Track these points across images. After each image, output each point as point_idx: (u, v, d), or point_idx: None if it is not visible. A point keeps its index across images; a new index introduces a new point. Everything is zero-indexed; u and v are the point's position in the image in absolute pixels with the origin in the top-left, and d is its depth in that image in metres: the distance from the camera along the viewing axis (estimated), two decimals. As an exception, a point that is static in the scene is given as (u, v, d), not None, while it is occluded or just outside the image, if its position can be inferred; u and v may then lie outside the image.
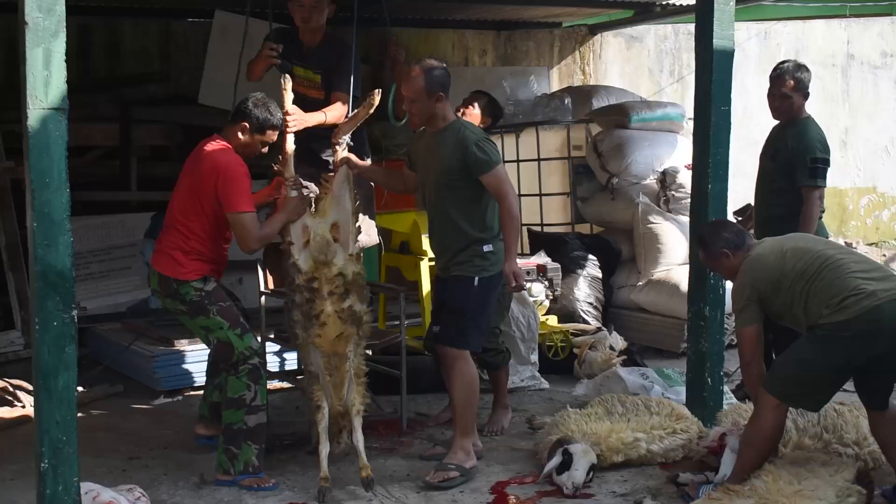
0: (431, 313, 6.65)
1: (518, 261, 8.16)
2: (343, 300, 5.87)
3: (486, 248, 6.05)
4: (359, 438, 5.87)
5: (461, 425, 6.13)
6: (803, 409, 5.74)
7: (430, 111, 6.03)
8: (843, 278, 5.20)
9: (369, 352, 6.66)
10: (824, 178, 7.07)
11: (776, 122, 7.36)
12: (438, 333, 6.22)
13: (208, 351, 6.46)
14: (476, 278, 6.04)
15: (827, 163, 7.09)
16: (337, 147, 6.25)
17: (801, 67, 7.28)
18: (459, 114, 6.76)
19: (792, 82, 7.14)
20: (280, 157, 6.23)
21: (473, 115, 6.96)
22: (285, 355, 8.08)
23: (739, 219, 7.60)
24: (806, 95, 7.22)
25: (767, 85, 7.24)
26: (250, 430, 5.89)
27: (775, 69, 7.30)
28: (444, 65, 6.12)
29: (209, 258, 5.93)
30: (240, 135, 5.92)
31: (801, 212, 6.93)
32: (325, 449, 5.85)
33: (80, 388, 5.62)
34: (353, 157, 6.23)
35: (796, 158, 7.03)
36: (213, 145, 5.90)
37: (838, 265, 5.26)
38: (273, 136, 6.01)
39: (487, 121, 7.01)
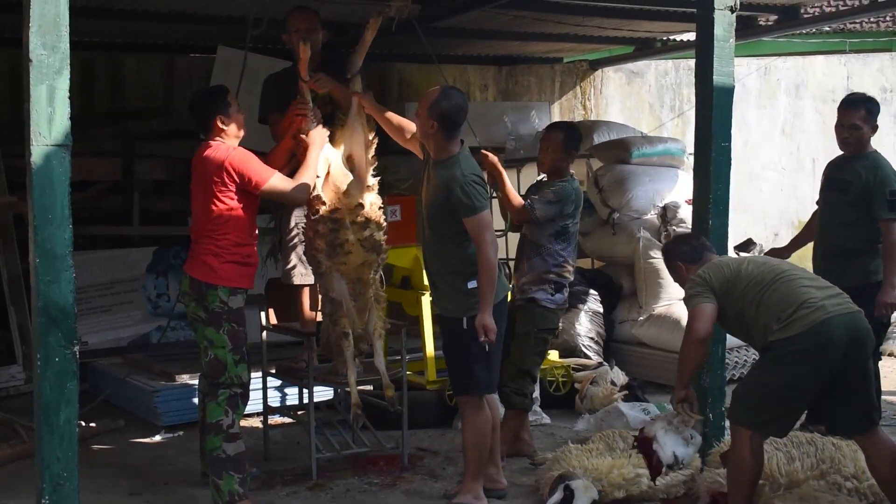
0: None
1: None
2: (364, 229, 6.29)
3: (471, 284, 5.91)
4: (381, 363, 6.41)
5: (471, 469, 6.11)
6: (773, 437, 5.66)
7: (426, 132, 6.01)
8: (794, 291, 5.23)
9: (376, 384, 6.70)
10: None
11: (840, 153, 7.36)
12: (449, 383, 6.23)
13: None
14: (464, 319, 5.92)
15: None
16: (350, 78, 6.49)
17: (871, 99, 7.25)
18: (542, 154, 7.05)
19: (863, 112, 7.10)
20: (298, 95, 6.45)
21: (550, 154, 7.04)
22: (286, 390, 8.07)
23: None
24: (875, 128, 7.18)
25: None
26: (230, 458, 5.90)
27: (845, 100, 7.30)
28: (457, 100, 6.03)
29: (241, 258, 5.98)
30: (222, 126, 5.99)
31: (882, 245, 6.95)
32: (353, 375, 6.35)
33: (81, 423, 5.62)
34: (367, 95, 6.47)
35: (873, 191, 6.99)
36: (210, 150, 5.97)
37: (791, 278, 5.30)
38: (234, 99, 6.13)
39: (572, 152, 7.07)
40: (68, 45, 4.68)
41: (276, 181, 5.97)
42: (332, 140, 6.40)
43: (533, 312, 6.93)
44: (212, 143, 5.98)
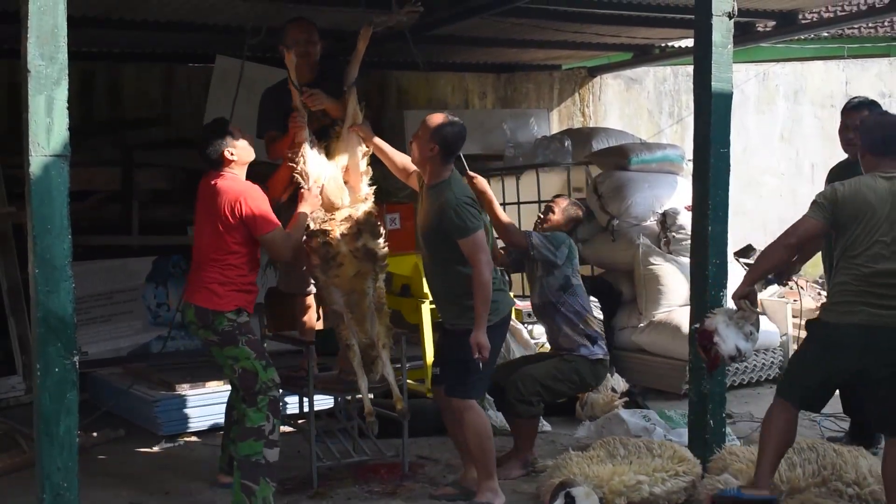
0: (433, 355, 6.75)
1: (519, 303, 8.21)
2: (356, 239, 6.28)
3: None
4: (389, 372, 6.42)
5: (483, 468, 6.17)
6: (791, 405, 5.56)
7: (424, 155, 6.08)
8: (851, 283, 5.28)
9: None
10: None
11: (839, 158, 7.30)
12: (445, 387, 6.28)
13: (224, 400, 6.54)
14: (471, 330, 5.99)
15: None
16: (347, 90, 6.50)
17: (873, 102, 7.22)
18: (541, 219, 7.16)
19: (867, 112, 6.96)
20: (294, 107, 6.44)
21: (554, 220, 7.12)
22: (286, 399, 8.05)
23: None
24: None
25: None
26: (269, 465, 5.92)
27: (848, 103, 7.27)
28: (461, 126, 6.13)
29: (244, 287, 6.04)
30: (232, 157, 6.04)
31: None
32: (364, 383, 6.37)
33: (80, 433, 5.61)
34: (367, 127, 6.52)
35: None
36: (223, 181, 6.01)
37: (864, 269, 5.27)
38: (236, 128, 6.17)
39: (570, 224, 7.15)
40: (66, 55, 4.70)
41: (275, 235, 6.00)
42: (327, 153, 6.45)
43: (579, 358, 6.95)
44: (224, 173, 6.02)
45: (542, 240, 6.93)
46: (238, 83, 7.15)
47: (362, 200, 6.45)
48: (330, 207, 6.34)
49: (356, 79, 6.56)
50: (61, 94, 4.67)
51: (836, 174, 7.33)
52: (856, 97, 7.43)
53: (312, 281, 6.63)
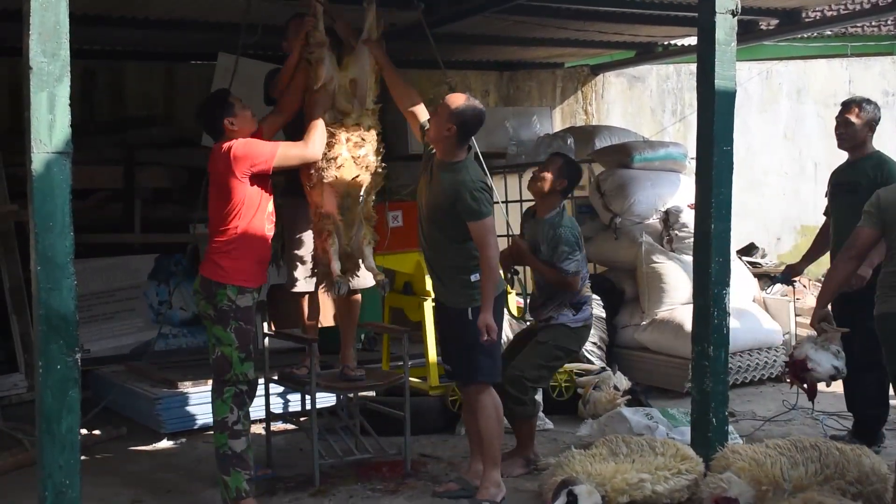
0: (437, 343, 6.93)
1: (520, 301, 8.20)
2: (359, 148, 6.43)
3: (473, 277, 6.08)
4: (371, 265, 6.62)
5: (489, 457, 6.19)
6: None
7: (441, 133, 6.09)
8: (884, 279, 5.44)
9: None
10: None
11: (841, 158, 7.41)
12: (453, 375, 6.33)
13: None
14: (468, 309, 6.08)
15: None
16: (366, 5, 6.58)
17: (869, 101, 7.31)
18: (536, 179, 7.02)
19: (857, 109, 7.16)
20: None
21: (547, 177, 6.97)
22: (289, 396, 8.06)
23: (776, 276, 7.58)
24: (872, 128, 7.22)
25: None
26: (237, 455, 5.95)
27: (844, 102, 7.39)
28: (480, 110, 6.14)
29: (252, 254, 6.03)
30: (232, 127, 6.07)
31: None
32: (336, 266, 6.46)
33: (83, 431, 5.61)
34: (380, 46, 6.57)
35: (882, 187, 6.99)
36: (217, 150, 6.06)
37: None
38: (237, 99, 6.18)
39: (563, 182, 6.99)
40: (68, 52, 4.68)
41: (286, 150, 6.11)
42: (339, 63, 6.55)
43: (556, 329, 6.92)
44: (223, 144, 6.03)
45: (571, 263, 6.83)
46: (231, 80, 7.14)
47: (368, 113, 6.57)
48: (336, 108, 6.45)
49: None
50: (63, 90, 4.66)
51: (840, 174, 7.35)
52: (854, 96, 7.48)
53: (304, 182, 6.60)
